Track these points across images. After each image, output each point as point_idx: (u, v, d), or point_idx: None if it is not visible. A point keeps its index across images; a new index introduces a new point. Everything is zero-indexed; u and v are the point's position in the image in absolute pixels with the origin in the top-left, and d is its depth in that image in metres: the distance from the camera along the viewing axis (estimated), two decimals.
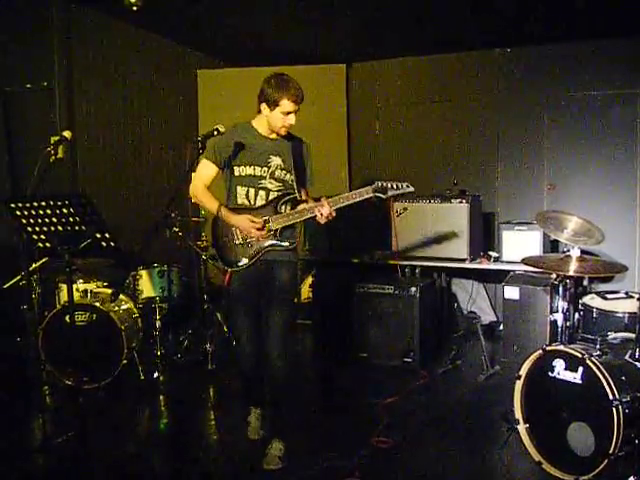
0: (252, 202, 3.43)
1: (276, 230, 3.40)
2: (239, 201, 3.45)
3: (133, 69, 5.96)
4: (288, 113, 3.32)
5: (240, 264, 3.45)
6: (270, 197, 3.43)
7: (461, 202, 5.28)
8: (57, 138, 3.51)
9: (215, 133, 3.27)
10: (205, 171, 3.48)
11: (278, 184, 3.44)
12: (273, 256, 3.44)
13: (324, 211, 3.28)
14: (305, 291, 6.27)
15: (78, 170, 5.33)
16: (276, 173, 3.43)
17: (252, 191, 3.43)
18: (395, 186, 3.21)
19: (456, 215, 5.29)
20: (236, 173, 3.43)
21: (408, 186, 3.23)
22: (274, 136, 3.45)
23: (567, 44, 6.01)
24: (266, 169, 3.42)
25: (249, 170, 3.42)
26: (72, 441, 3.45)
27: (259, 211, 3.41)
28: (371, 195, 3.24)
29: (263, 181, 3.42)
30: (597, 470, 2.94)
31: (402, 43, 6.43)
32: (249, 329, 3.55)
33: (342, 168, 6.87)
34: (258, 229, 3.36)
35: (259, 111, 3.40)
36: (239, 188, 3.45)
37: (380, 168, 6.92)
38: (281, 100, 3.28)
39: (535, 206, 5.98)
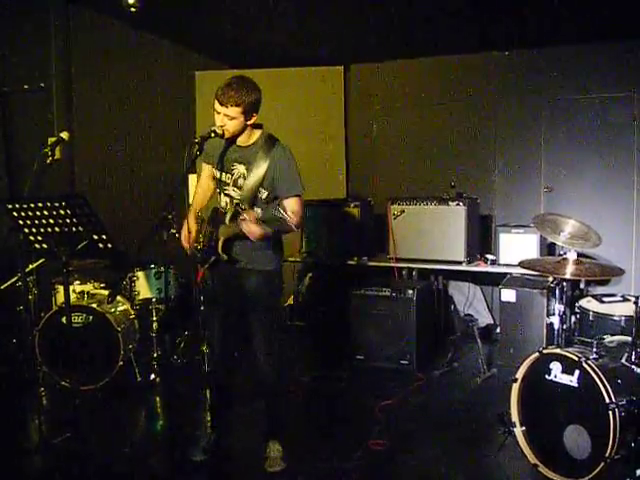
0: (224, 207, 3.40)
1: (219, 242, 3.30)
2: (221, 203, 3.43)
3: (131, 70, 5.94)
4: (217, 113, 3.19)
5: (205, 263, 3.41)
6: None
7: (458, 205, 5.29)
8: (54, 139, 3.51)
9: (212, 135, 3.25)
10: (202, 173, 3.54)
11: (240, 192, 3.32)
12: (244, 264, 3.36)
13: (244, 227, 3.15)
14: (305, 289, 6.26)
15: (75, 171, 5.32)
16: (239, 182, 3.32)
17: (222, 196, 3.41)
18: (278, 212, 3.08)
19: (453, 218, 5.29)
20: (215, 175, 3.42)
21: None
22: (243, 143, 3.32)
23: (565, 47, 6.02)
24: (230, 176, 3.34)
25: (217, 174, 3.39)
26: (69, 442, 3.44)
27: (223, 216, 3.35)
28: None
29: (227, 187, 3.36)
30: (593, 473, 2.94)
31: (400, 45, 6.43)
32: (218, 332, 3.54)
33: (340, 170, 6.86)
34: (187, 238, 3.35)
35: None
36: (219, 190, 3.44)
37: (378, 171, 6.93)
38: (214, 99, 3.20)
39: (532, 209, 5.97)
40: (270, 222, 3.17)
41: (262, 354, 3.40)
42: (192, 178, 5.92)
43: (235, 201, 3.33)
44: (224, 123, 3.19)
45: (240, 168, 3.32)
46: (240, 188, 3.32)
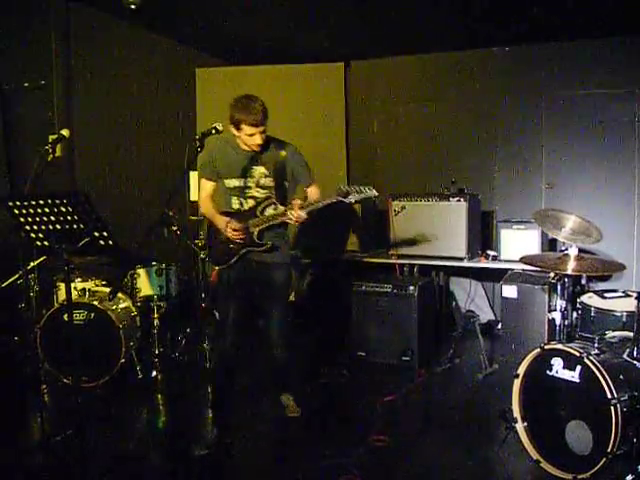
0: (243, 209, 3.75)
1: (254, 233, 3.65)
2: (234, 207, 3.76)
3: (131, 67, 5.94)
4: (251, 135, 3.51)
5: (225, 263, 3.76)
6: None
7: (459, 201, 5.28)
8: (55, 136, 3.51)
9: (213, 131, 3.31)
10: (206, 188, 3.82)
11: (264, 191, 3.69)
12: (269, 259, 3.73)
13: (293, 215, 3.47)
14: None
15: (76, 168, 5.32)
16: (261, 181, 3.68)
17: (242, 200, 3.73)
18: (359, 190, 3.36)
19: (454, 214, 5.29)
20: (227, 185, 3.72)
21: (371, 189, 3.37)
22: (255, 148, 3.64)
23: (566, 43, 6.01)
24: (250, 179, 3.67)
25: (235, 182, 3.69)
26: (70, 440, 3.45)
27: (244, 215, 3.69)
28: (334, 200, 3.41)
29: (249, 190, 3.69)
30: (595, 469, 2.94)
31: (400, 42, 6.42)
32: (233, 323, 3.81)
33: (341, 167, 6.85)
34: (234, 230, 3.64)
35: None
36: (233, 198, 3.75)
37: (378, 167, 6.92)
38: (241, 124, 3.49)
39: (533, 205, 5.98)
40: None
41: (280, 346, 3.85)
42: (193, 175, 5.95)
43: (259, 200, 3.69)
44: (259, 141, 3.54)
45: (260, 169, 3.67)
46: (264, 187, 3.68)
